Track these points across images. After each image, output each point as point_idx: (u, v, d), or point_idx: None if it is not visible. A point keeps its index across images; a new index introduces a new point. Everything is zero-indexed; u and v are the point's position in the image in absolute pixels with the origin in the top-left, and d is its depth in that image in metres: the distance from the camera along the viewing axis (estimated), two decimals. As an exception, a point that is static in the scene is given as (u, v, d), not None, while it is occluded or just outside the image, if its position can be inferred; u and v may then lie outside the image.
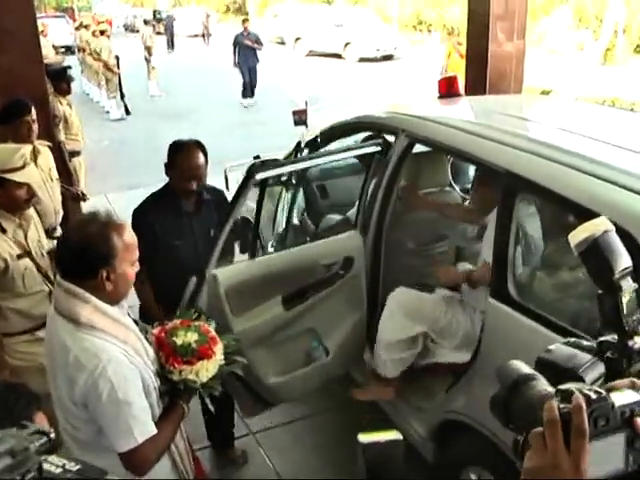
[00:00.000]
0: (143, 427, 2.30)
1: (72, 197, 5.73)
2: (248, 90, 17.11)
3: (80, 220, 2.52)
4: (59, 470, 1.22)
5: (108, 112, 15.55)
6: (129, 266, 2.36)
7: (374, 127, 4.37)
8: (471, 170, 5.42)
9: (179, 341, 2.53)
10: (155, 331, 2.61)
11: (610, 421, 1.11)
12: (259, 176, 3.35)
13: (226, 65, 18.98)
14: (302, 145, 4.58)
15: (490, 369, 3.16)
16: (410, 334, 3.74)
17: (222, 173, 5.75)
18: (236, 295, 3.49)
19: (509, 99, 5.66)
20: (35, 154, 4.56)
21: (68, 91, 7.45)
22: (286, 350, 3.82)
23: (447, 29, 24.78)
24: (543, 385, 1.27)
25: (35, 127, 4.67)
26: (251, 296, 3.58)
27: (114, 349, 2.27)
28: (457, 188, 4.89)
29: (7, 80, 4.98)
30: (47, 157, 4.85)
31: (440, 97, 4.71)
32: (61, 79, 7.20)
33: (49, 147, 4.96)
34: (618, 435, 1.11)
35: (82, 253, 2.28)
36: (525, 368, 1.35)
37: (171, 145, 3.72)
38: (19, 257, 3.47)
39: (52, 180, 4.84)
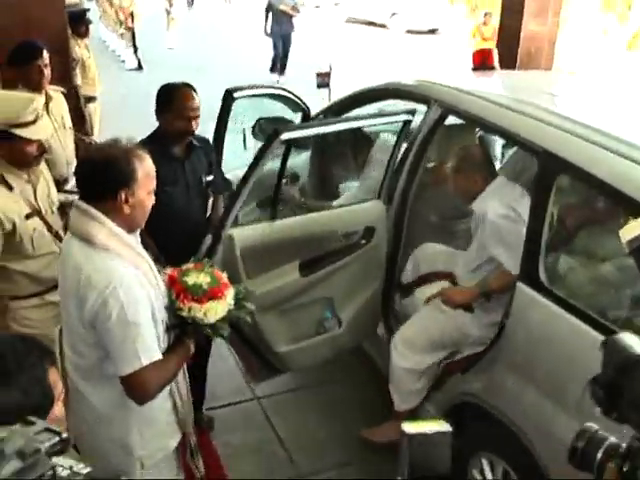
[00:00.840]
0: (148, 351, 2.30)
1: (86, 148, 5.34)
2: (278, 65, 14.71)
3: (103, 143, 2.50)
4: (66, 472, 1.11)
5: (124, 61, 15.32)
6: (147, 194, 2.37)
7: (404, 95, 4.21)
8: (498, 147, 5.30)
9: (190, 281, 2.50)
10: (169, 270, 2.58)
11: None
12: (284, 136, 3.20)
13: (251, 29, 18.21)
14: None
15: (513, 356, 3.08)
16: (433, 360, 3.61)
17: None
18: (252, 257, 3.38)
19: (547, 76, 5.47)
20: (47, 101, 4.36)
21: (86, 34, 7.32)
22: (298, 318, 3.71)
23: (471, 5, 24.11)
24: None
25: (47, 72, 4.41)
26: (267, 259, 3.46)
27: (127, 272, 2.28)
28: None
29: (27, 22, 4.85)
30: (60, 104, 4.59)
31: (474, 69, 4.55)
32: (80, 21, 7.06)
33: (63, 93, 4.74)
34: None
35: (104, 172, 2.29)
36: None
37: (163, 88, 3.62)
38: (27, 217, 3.19)
39: (65, 128, 4.59)
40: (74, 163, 4.68)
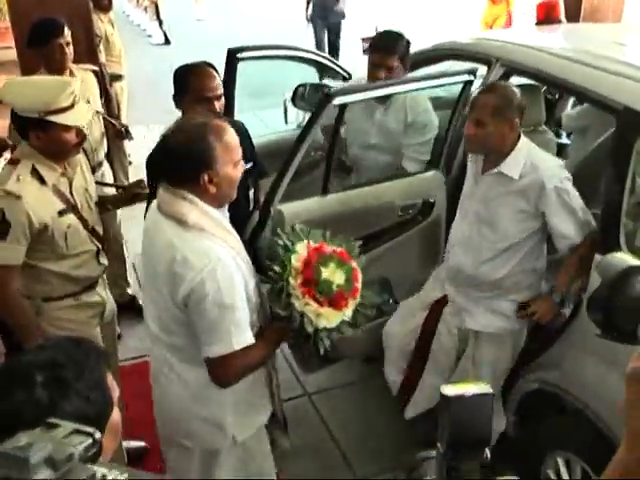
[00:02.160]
0: (242, 335, 2.40)
1: (115, 133, 5.30)
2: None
3: (177, 126, 2.53)
4: None
5: (150, 36, 15.42)
6: (231, 167, 2.41)
7: (462, 55, 4.14)
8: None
9: (325, 274, 2.51)
10: (315, 244, 2.59)
11: None
12: (337, 101, 3.16)
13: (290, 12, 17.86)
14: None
15: (593, 336, 3.01)
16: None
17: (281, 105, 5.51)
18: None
19: (619, 27, 5.34)
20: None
21: (109, 7, 7.32)
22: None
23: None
24: None
25: (70, 50, 4.36)
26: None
27: (223, 251, 2.37)
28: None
29: None
30: (87, 85, 4.45)
31: (538, 24, 4.46)
32: None
33: (94, 72, 4.68)
34: None
35: (181, 160, 2.36)
36: (634, 260, 1.19)
37: (177, 71, 3.47)
38: (61, 213, 3.10)
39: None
40: (103, 150, 4.72)
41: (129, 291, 5.34)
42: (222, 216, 2.49)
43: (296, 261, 2.50)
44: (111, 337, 3.66)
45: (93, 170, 4.22)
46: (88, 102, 4.25)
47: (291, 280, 2.48)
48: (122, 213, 4.89)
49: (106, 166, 4.85)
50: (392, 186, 3.80)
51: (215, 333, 2.36)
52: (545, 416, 3.32)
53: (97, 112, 4.53)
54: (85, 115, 3.20)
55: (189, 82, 3.37)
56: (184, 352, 2.52)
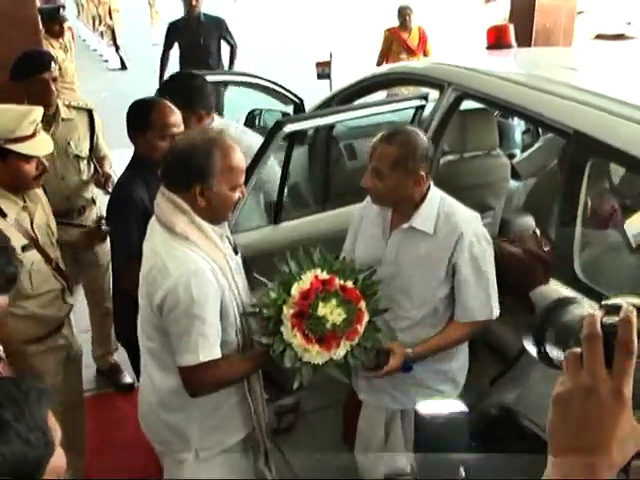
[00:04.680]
0: (209, 348, 2.38)
1: (96, 181, 4.41)
2: None
3: (192, 133, 2.60)
4: None
5: (107, 61, 15.32)
6: (227, 188, 2.41)
7: (414, 80, 4.15)
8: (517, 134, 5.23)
9: (323, 311, 2.43)
10: (325, 276, 2.49)
11: None
12: (288, 128, 3.12)
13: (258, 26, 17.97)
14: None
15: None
16: None
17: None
18: (256, 265, 3.28)
19: (570, 51, 5.40)
20: (57, 118, 4.01)
21: (61, 33, 7.26)
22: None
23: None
24: (586, 308, 1.10)
25: (56, 86, 4.08)
26: (271, 269, 3.37)
27: (203, 263, 2.37)
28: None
29: None
30: (73, 127, 4.12)
31: (488, 48, 4.48)
32: (53, 20, 6.99)
33: (89, 111, 4.25)
34: None
35: (180, 165, 2.39)
36: (566, 291, 1.21)
37: (134, 105, 3.31)
38: (24, 249, 2.95)
39: (68, 156, 4.09)
40: (82, 196, 4.29)
41: (114, 358, 4.80)
42: (214, 230, 2.48)
43: (295, 290, 2.44)
44: (76, 373, 3.53)
45: (67, 214, 4.07)
46: (68, 144, 4.06)
47: (284, 309, 2.43)
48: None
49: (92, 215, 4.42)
50: (347, 213, 3.73)
51: (184, 343, 2.37)
52: (505, 441, 3.29)
53: (77, 156, 4.15)
54: (46, 146, 3.08)
55: (150, 118, 3.20)
56: (157, 357, 2.55)
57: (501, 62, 4.29)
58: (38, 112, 3.06)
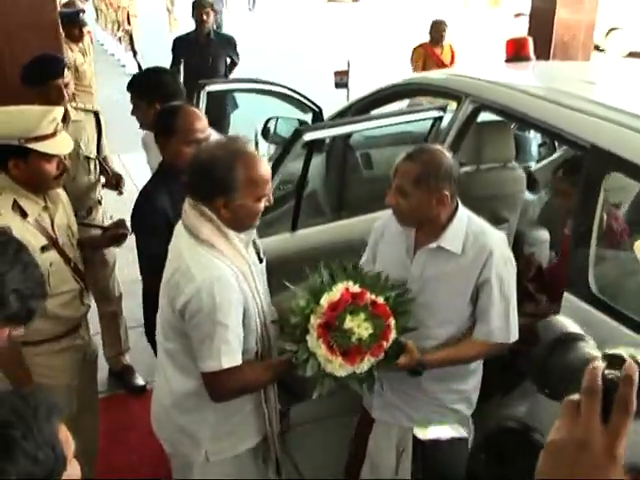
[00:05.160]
0: (232, 355, 2.40)
1: (107, 181, 4.51)
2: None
3: (217, 141, 2.59)
4: None
5: (124, 66, 15.40)
6: (252, 200, 2.41)
7: (432, 91, 4.16)
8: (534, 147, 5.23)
9: (348, 324, 2.42)
10: (356, 289, 2.50)
11: None
12: (307, 137, 3.14)
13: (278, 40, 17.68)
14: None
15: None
16: None
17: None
18: (271, 274, 3.29)
19: (588, 65, 5.40)
20: (67, 120, 4.01)
21: (80, 37, 7.31)
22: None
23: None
24: (591, 348, 1.09)
25: (68, 91, 4.12)
26: (289, 276, 3.38)
27: (226, 270, 2.38)
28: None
29: (16, 25, 4.64)
30: (82, 128, 4.19)
31: (507, 61, 4.49)
32: (73, 24, 7.02)
33: (95, 113, 4.35)
34: None
35: (202, 178, 2.39)
36: (573, 327, 1.19)
37: (161, 112, 3.35)
38: (43, 249, 2.97)
39: (78, 157, 4.14)
40: (91, 197, 4.38)
41: (127, 359, 4.86)
42: (240, 238, 2.48)
43: (324, 300, 2.44)
44: (92, 374, 3.55)
45: (83, 217, 4.10)
46: (79, 146, 4.08)
47: (312, 318, 2.43)
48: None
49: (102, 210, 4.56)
50: (363, 222, 3.76)
51: (207, 349, 2.38)
52: (514, 454, 3.28)
53: (87, 157, 4.24)
54: (67, 145, 3.10)
55: (176, 124, 3.21)
56: (176, 359, 2.56)
57: (519, 75, 4.30)
58: (58, 111, 3.09)
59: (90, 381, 3.48)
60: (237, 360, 2.42)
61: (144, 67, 14.71)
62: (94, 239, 3.79)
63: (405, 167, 2.67)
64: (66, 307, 3.13)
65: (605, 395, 0.93)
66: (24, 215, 2.95)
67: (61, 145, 3.03)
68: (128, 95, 3.93)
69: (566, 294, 2.96)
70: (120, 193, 4.48)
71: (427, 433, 1.21)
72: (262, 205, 2.45)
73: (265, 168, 2.43)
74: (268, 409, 2.71)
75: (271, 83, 4.81)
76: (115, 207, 4.79)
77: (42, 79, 4.01)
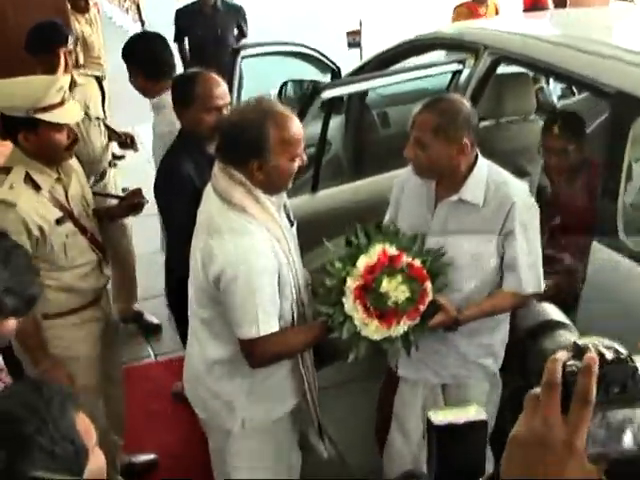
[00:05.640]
0: (268, 322, 2.39)
1: (119, 143, 4.66)
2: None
3: (246, 103, 2.55)
4: None
5: (132, 37, 15.32)
6: (286, 160, 2.37)
7: (448, 45, 4.09)
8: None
9: (384, 287, 2.41)
10: (394, 252, 2.48)
11: (628, 389, 0.91)
12: (326, 94, 3.08)
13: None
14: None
15: (592, 329, 2.96)
16: None
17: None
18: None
19: (609, 11, 5.28)
20: (71, 86, 3.90)
21: (86, 8, 7.25)
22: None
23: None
24: (571, 337, 1.04)
25: (71, 59, 4.17)
26: (308, 237, 3.36)
27: (260, 235, 2.36)
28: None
29: None
30: (86, 90, 4.20)
31: (525, 10, 4.42)
32: None
33: (96, 77, 4.43)
34: (635, 409, 0.91)
35: (234, 141, 2.36)
36: (557, 314, 1.13)
37: (179, 78, 3.32)
38: (58, 221, 2.94)
39: (90, 119, 4.15)
40: (105, 160, 4.45)
41: (136, 306, 5.02)
42: (272, 201, 2.45)
43: (361, 263, 2.42)
44: (115, 345, 3.52)
45: (95, 181, 4.14)
46: (87, 107, 4.09)
47: (349, 280, 2.41)
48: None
49: (112, 174, 4.60)
50: (382, 180, 3.71)
51: (243, 315, 2.37)
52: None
53: (98, 118, 4.29)
54: (76, 113, 3.08)
55: (194, 91, 3.16)
56: (211, 326, 2.55)
57: (538, 24, 4.22)
58: (65, 80, 3.08)
59: (113, 353, 3.47)
60: (274, 326, 2.41)
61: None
62: (111, 209, 3.79)
63: (422, 117, 2.61)
64: (85, 279, 3.11)
65: (566, 387, 0.91)
66: (37, 188, 2.92)
67: (70, 113, 2.99)
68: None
69: (595, 244, 2.91)
70: (136, 150, 4.61)
71: (442, 416, 1.14)
72: (296, 165, 2.41)
73: (297, 126, 2.39)
74: (305, 371, 2.69)
75: (292, 44, 4.79)
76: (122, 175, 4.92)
77: (45, 47, 4.01)
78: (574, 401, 0.90)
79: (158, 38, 4.00)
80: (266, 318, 2.37)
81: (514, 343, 1.09)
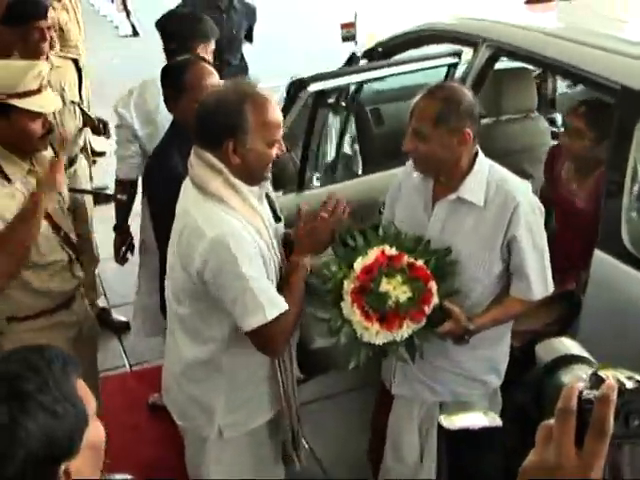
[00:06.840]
0: (274, 303, 2.35)
1: (92, 129, 4.60)
2: None
3: (224, 85, 2.58)
4: None
5: (117, 27, 15.24)
6: (263, 144, 2.34)
7: (445, 37, 4.04)
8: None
9: (383, 287, 2.40)
10: (393, 252, 2.46)
11: None
12: (312, 87, 3.03)
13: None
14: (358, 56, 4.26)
15: (593, 337, 2.92)
16: None
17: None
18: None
19: (614, 3, 5.25)
20: (50, 68, 3.85)
21: None
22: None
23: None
24: (589, 371, 1.04)
25: (51, 35, 4.06)
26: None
27: (238, 225, 2.31)
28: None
29: None
30: (63, 73, 4.19)
31: (527, 2, 4.38)
32: None
33: (73, 60, 4.42)
34: None
35: (210, 119, 2.34)
36: (576, 349, 1.19)
37: (168, 68, 3.25)
38: None
39: (64, 103, 4.00)
40: (77, 146, 4.47)
41: (99, 303, 5.03)
42: (252, 191, 2.41)
43: (358, 264, 2.41)
44: (90, 352, 3.43)
45: (65, 167, 4.07)
46: (63, 90, 4.09)
47: (345, 283, 2.40)
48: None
49: (82, 164, 4.61)
50: (375, 181, 3.68)
51: (244, 305, 2.32)
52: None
53: (73, 102, 4.27)
54: (53, 102, 3.00)
55: (184, 81, 3.11)
56: (187, 324, 2.51)
57: (540, 16, 4.18)
58: (44, 66, 2.98)
59: (88, 360, 3.37)
60: (282, 305, 2.36)
61: (138, 28, 14.70)
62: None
63: (422, 106, 2.52)
64: (53, 279, 3.01)
65: (582, 416, 0.89)
66: (8, 180, 2.84)
67: (47, 102, 2.91)
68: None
69: (597, 252, 2.87)
70: (108, 137, 4.57)
71: (455, 422, 1.09)
72: (274, 152, 2.38)
73: (277, 112, 2.37)
74: (283, 377, 2.64)
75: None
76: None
77: (23, 19, 3.94)
78: (590, 431, 0.88)
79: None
80: (270, 300, 2.33)
81: (530, 381, 1.07)
